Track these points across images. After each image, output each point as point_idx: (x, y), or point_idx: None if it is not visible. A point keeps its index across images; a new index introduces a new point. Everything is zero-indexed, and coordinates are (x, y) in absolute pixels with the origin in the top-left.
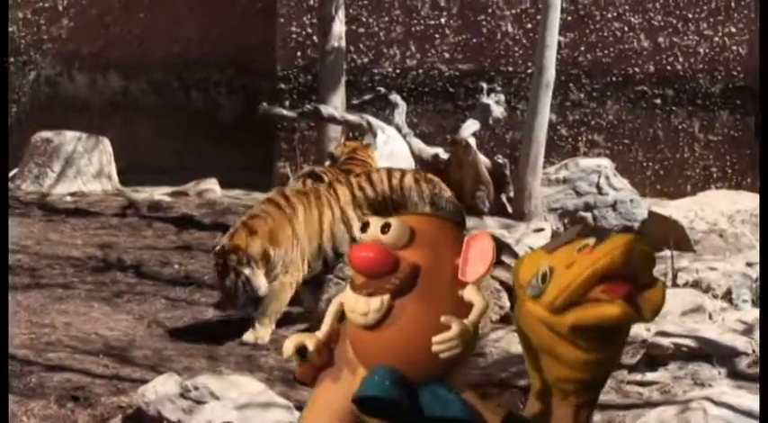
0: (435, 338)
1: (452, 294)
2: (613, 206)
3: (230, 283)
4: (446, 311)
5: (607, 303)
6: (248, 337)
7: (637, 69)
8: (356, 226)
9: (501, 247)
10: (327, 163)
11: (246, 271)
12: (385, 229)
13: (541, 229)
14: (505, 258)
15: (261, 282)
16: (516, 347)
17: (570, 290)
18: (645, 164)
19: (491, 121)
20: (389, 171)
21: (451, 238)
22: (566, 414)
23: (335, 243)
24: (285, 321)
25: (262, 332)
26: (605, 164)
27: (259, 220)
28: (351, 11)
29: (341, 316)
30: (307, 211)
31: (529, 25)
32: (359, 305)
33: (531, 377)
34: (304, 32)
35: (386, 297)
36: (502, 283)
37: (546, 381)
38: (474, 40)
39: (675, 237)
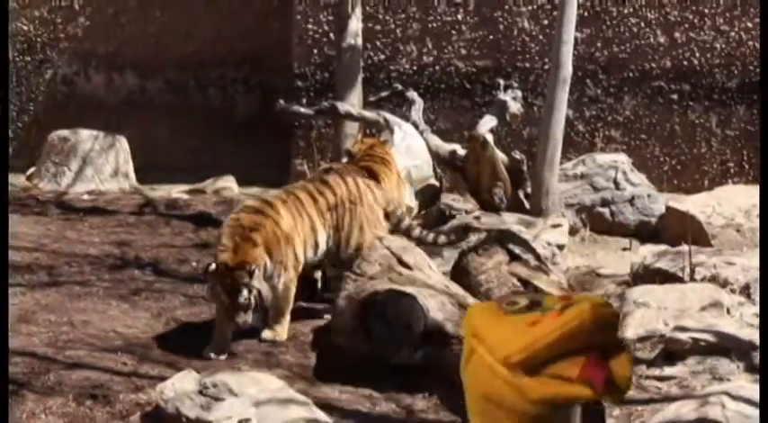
0: None
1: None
2: (631, 201)
3: (245, 299)
4: None
5: (568, 382)
6: (267, 335)
7: (653, 65)
8: (320, 230)
9: (518, 242)
10: (344, 160)
11: (256, 284)
12: None
13: (559, 225)
14: (522, 254)
15: (267, 291)
16: None
17: (533, 349)
18: (662, 159)
19: (508, 117)
20: (342, 175)
21: None
22: None
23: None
24: (300, 316)
25: (279, 330)
26: (622, 159)
27: (256, 232)
28: (367, 8)
29: None
30: (288, 210)
31: (545, 21)
32: None
33: None
34: (321, 30)
35: None
36: (520, 279)
37: None
38: (491, 37)
39: (693, 232)
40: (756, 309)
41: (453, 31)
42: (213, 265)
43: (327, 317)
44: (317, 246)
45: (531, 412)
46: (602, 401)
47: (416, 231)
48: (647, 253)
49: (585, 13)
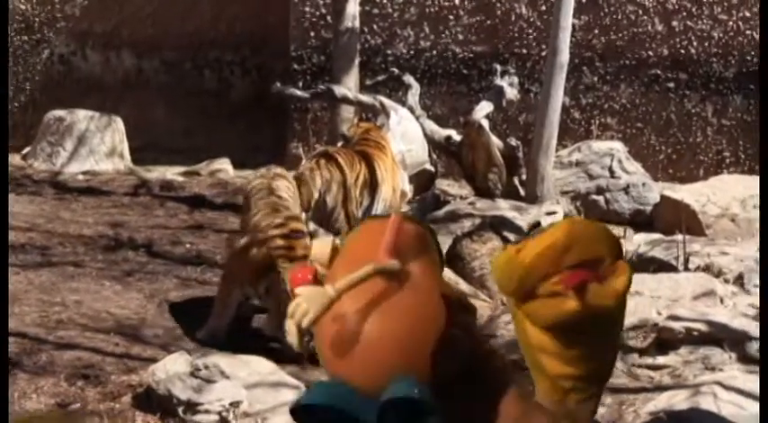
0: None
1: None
2: (626, 190)
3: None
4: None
5: (561, 297)
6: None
7: (650, 53)
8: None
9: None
10: (340, 144)
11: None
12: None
13: (553, 212)
14: (516, 240)
15: None
16: None
17: (518, 273)
18: (657, 148)
19: (504, 104)
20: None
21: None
22: (567, 412)
23: None
24: None
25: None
26: (618, 147)
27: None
28: None
29: None
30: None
31: (543, 7)
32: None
33: (533, 377)
34: (318, 13)
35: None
36: None
37: (544, 380)
38: (488, 22)
39: (687, 221)
40: (750, 299)
41: (451, 16)
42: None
43: None
44: None
45: (566, 353)
46: (596, 316)
47: None
48: (641, 241)
49: (583, 0)
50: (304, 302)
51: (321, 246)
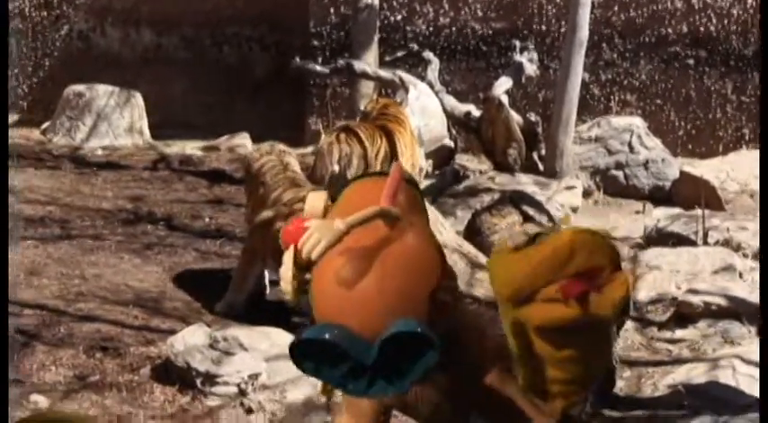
0: (299, 243)
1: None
2: (645, 165)
3: None
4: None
5: (559, 303)
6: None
7: (670, 30)
8: None
9: (532, 203)
10: (358, 119)
11: None
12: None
13: (573, 187)
14: (536, 215)
15: None
16: None
17: (518, 279)
18: (677, 124)
19: (523, 80)
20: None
21: (374, 196)
22: (554, 414)
23: None
24: None
25: None
26: (637, 123)
27: None
28: None
29: None
30: None
31: None
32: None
33: (521, 381)
34: None
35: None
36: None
37: (532, 383)
38: None
39: (706, 197)
40: None
41: None
42: None
43: None
44: None
45: (556, 355)
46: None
47: None
48: (660, 216)
49: None
50: (316, 233)
51: (315, 200)
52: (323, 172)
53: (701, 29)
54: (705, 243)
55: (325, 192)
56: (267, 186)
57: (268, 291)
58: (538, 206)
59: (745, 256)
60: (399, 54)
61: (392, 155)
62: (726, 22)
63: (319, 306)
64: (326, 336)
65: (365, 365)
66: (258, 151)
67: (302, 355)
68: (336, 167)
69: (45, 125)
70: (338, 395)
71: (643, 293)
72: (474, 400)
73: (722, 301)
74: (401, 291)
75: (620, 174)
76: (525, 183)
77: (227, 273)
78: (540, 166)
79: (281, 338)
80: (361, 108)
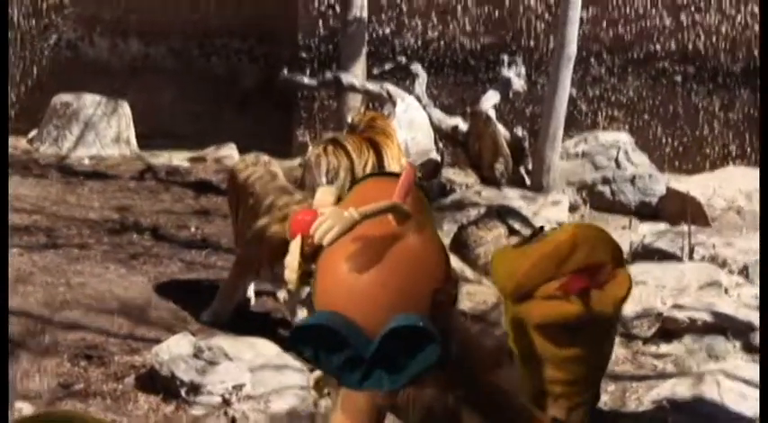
0: (311, 229)
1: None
2: (632, 181)
3: None
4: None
5: (560, 300)
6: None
7: (658, 46)
8: None
9: (518, 217)
10: (345, 131)
11: None
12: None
13: (559, 202)
14: (522, 229)
15: None
16: None
17: (518, 275)
18: (664, 140)
19: (511, 94)
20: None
21: (384, 193)
22: (560, 414)
23: None
24: None
25: None
26: (624, 139)
27: None
28: None
29: None
30: None
31: (551, 0)
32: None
33: (522, 383)
34: (326, 2)
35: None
36: None
37: (533, 384)
38: (496, 14)
39: (693, 213)
40: (755, 290)
41: (459, 7)
42: None
43: None
44: None
45: (557, 354)
46: (593, 320)
47: None
48: (646, 232)
49: None
50: (330, 219)
51: (324, 193)
52: (312, 184)
53: (690, 46)
54: (691, 259)
55: (334, 187)
56: (257, 196)
57: (253, 302)
58: (524, 220)
59: (731, 272)
60: (387, 67)
61: (380, 167)
62: (714, 39)
63: (322, 296)
64: (327, 322)
65: (363, 358)
66: (243, 162)
67: (302, 341)
68: (324, 180)
69: (32, 134)
70: (326, 392)
71: (628, 308)
72: (468, 402)
73: (707, 317)
74: (404, 287)
75: (606, 189)
76: (512, 197)
77: (214, 283)
78: (527, 181)
79: (265, 349)
80: (348, 120)
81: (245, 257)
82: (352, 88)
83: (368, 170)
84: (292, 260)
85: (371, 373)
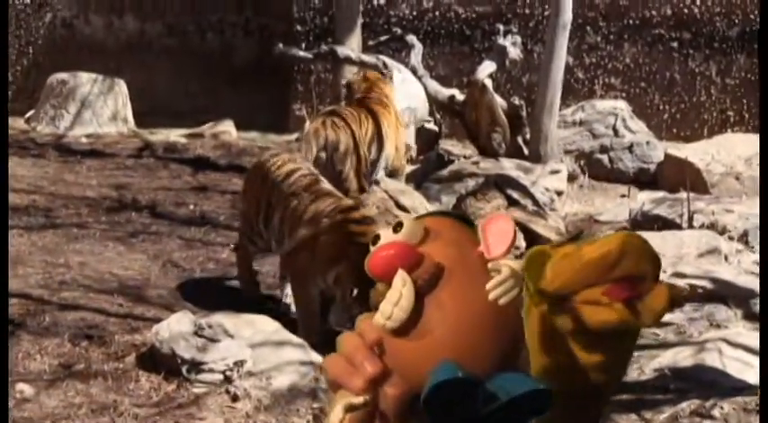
0: (489, 285)
1: (484, 281)
2: (630, 148)
3: None
4: (483, 300)
5: (604, 306)
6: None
7: (654, 12)
8: None
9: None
10: (344, 92)
11: None
12: (397, 228)
13: (557, 171)
14: (521, 199)
15: None
16: None
17: (562, 278)
18: (661, 107)
19: (507, 63)
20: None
21: (464, 231)
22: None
23: None
24: None
25: None
26: (622, 106)
27: None
28: None
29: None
30: None
31: None
32: (383, 309)
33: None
34: None
35: (406, 288)
36: (518, 224)
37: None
38: None
39: (691, 179)
40: (755, 256)
41: None
42: None
43: None
44: None
45: (583, 359)
46: (628, 329)
47: None
48: (645, 199)
49: None
50: (512, 280)
51: (414, 227)
52: (306, 155)
53: (685, 11)
54: (690, 226)
55: (422, 219)
56: (302, 198)
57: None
58: (523, 190)
59: (730, 238)
60: (383, 38)
61: (378, 135)
62: (709, 3)
63: (443, 341)
64: (459, 374)
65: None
66: (278, 158)
67: (436, 400)
68: (322, 154)
69: (29, 113)
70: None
71: None
72: None
73: (708, 285)
74: (499, 351)
75: (604, 157)
76: (510, 167)
77: (212, 260)
78: (525, 151)
79: (266, 325)
80: (348, 81)
81: (299, 270)
82: (348, 60)
83: (368, 139)
84: (404, 300)
85: None
